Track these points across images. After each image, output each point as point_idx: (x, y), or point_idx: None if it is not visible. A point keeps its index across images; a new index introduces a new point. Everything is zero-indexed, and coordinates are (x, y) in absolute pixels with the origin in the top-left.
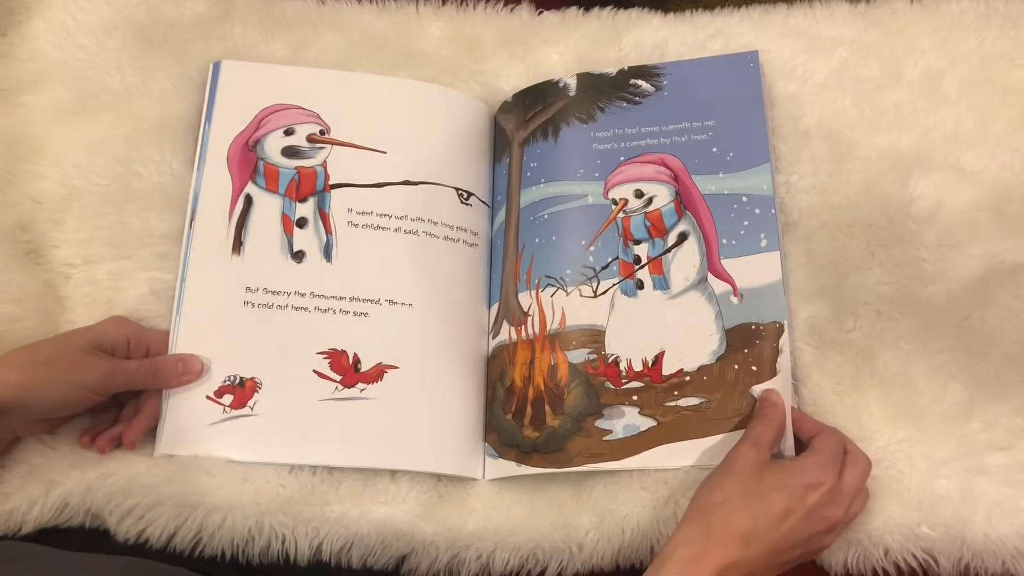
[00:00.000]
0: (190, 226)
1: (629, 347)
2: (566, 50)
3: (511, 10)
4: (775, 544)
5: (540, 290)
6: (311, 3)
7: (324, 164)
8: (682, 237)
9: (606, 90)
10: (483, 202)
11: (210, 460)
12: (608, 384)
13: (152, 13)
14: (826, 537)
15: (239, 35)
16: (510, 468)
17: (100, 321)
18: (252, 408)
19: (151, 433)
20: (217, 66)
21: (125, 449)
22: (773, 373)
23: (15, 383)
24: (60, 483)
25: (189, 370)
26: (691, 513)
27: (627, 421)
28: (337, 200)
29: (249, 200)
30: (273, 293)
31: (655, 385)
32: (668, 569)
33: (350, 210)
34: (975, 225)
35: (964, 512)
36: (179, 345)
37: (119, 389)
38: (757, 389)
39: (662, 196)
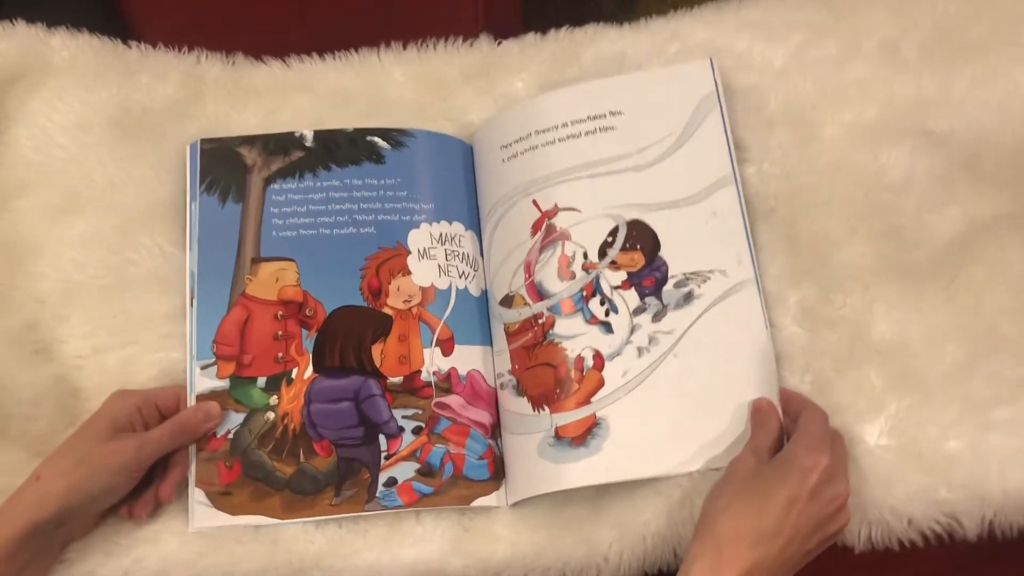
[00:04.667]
0: (191, 304)
1: None
2: (529, 76)
3: (471, 44)
4: (788, 536)
5: None
6: (277, 68)
7: None
8: None
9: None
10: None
11: (238, 529)
12: None
13: (124, 104)
14: (840, 516)
15: (211, 111)
16: None
17: (104, 403)
18: None
19: (184, 512)
20: (194, 146)
21: (163, 504)
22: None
23: (62, 493)
24: (97, 574)
25: (210, 416)
26: (700, 526)
27: None
28: None
29: None
30: None
31: None
32: None
33: None
34: (951, 186)
35: (979, 470)
36: None
37: (154, 459)
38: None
39: None
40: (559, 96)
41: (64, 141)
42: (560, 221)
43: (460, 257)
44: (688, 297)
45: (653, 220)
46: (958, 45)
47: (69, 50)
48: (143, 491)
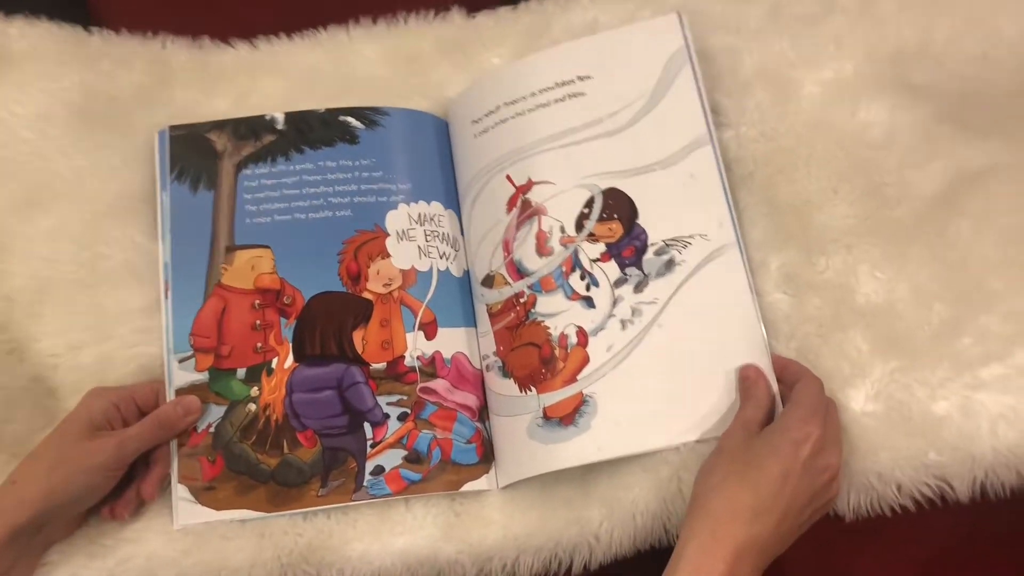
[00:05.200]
0: (166, 296)
1: None
2: (505, 52)
3: (443, 18)
4: (783, 510)
5: None
6: (244, 50)
7: None
8: None
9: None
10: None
11: (224, 524)
12: None
13: (89, 92)
14: (831, 487)
15: (180, 97)
16: None
17: (80, 402)
18: None
19: (167, 509)
20: (163, 133)
21: (146, 502)
22: None
23: (40, 496)
24: None
25: (190, 410)
26: (693, 503)
27: None
28: None
29: None
30: None
31: None
32: (682, 567)
33: None
34: (935, 140)
35: (968, 430)
36: None
37: (134, 457)
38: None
39: None
40: (525, 65)
41: (28, 134)
42: (535, 196)
43: (440, 237)
44: (669, 264)
45: (629, 187)
46: None
47: (28, 39)
48: (125, 490)
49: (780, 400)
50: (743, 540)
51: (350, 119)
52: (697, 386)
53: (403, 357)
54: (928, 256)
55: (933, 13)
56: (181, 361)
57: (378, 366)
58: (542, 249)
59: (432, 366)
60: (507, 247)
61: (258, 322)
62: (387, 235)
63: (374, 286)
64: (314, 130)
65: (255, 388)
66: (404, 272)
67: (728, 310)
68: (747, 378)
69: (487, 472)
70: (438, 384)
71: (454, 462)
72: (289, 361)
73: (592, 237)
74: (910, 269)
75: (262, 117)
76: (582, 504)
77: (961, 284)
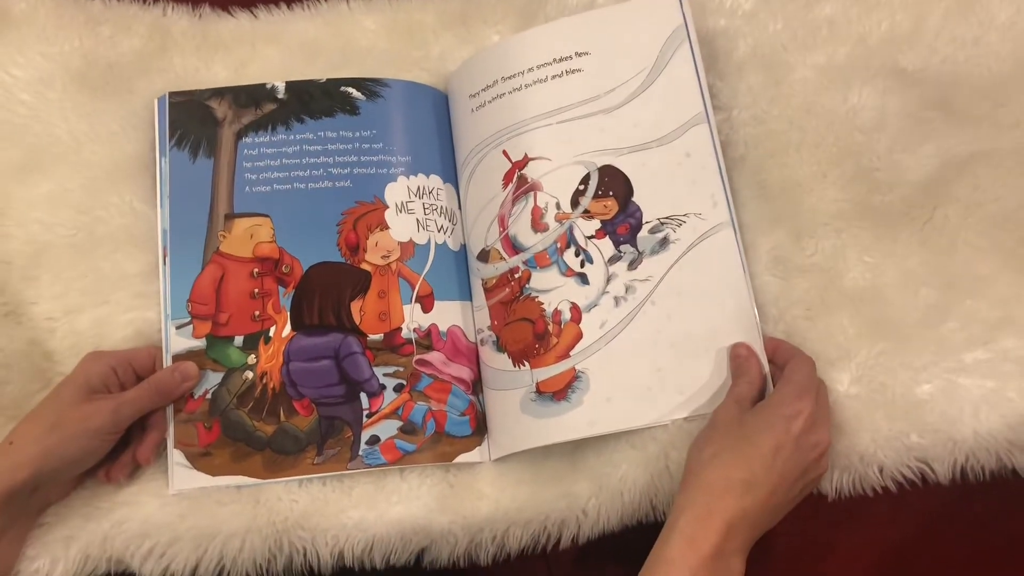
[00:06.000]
0: (164, 262)
1: None
2: (505, 28)
3: None
4: (775, 483)
5: None
6: (244, 19)
7: None
8: None
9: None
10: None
11: (219, 490)
12: None
13: (88, 57)
14: (820, 463)
15: (179, 64)
16: None
17: (78, 365)
18: None
19: (163, 474)
20: (163, 100)
21: (142, 466)
22: None
23: (36, 458)
24: (77, 538)
25: (187, 376)
26: (686, 476)
27: None
28: None
29: None
30: None
31: None
32: (675, 539)
33: None
34: (925, 124)
35: (951, 413)
36: None
37: (130, 421)
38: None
39: None
40: (524, 39)
41: (26, 97)
42: (531, 171)
43: (438, 211)
44: (664, 243)
45: (625, 164)
46: None
47: (28, 1)
48: (121, 454)
49: (771, 380)
50: (735, 512)
51: (351, 90)
52: (688, 364)
53: (400, 329)
54: (917, 241)
55: None
56: (178, 327)
57: (375, 337)
58: (537, 225)
59: (428, 338)
60: (503, 222)
61: (256, 290)
62: (386, 207)
63: (372, 257)
64: (315, 100)
65: (252, 356)
66: (402, 244)
67: (721, 289)
68: (739, 355)
69: (480, 444)
70: (434, 356)
71: (448, 434)
72: (287, 330)
73: (587, 214)
74: (898, 253)
75: (263, 86)
76: (571, 479)
77: (948, 269)
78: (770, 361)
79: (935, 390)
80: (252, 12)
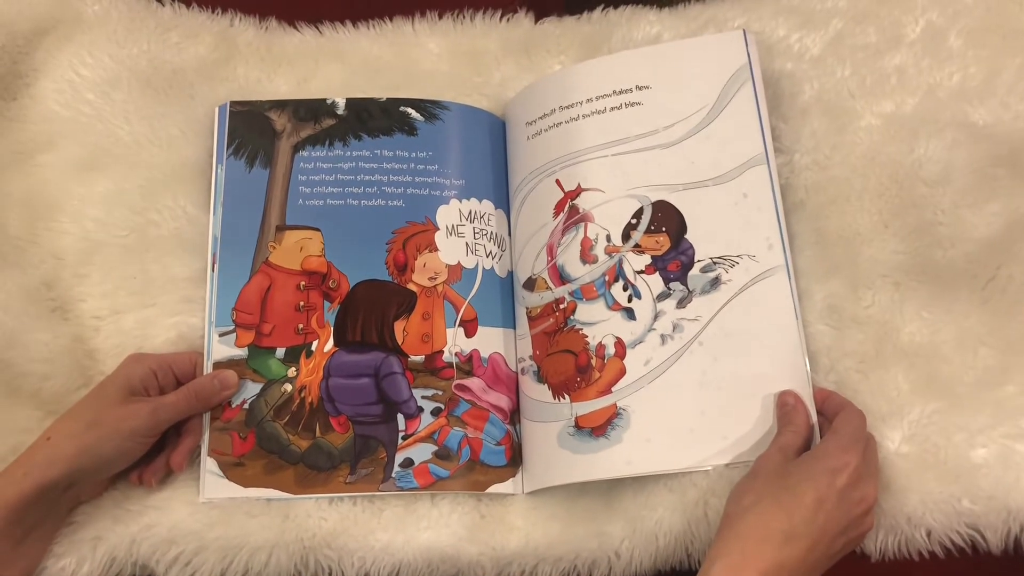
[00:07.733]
0: (212, 269)
1: None
2: (567, 59)
3: (508, 20)
4: (816, 537)
5: None
6: (309, 35)
7: None
8: None
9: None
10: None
11: (249, 502)
12: None
13: (155, 61)
14: (865, 520)
15: (242, 75)
16: None
17: (120, 365)
18: None
19: (195, 481)
20: (223, 108)
21: (174, 472)
22: None
23: (72, 455)
24: (105, 539)
25: (227, 384)
26: (723, 523)
27: None
28: None
29: None
30: None
31: None
32: None
33: None
34: (992, 181)
35: (1007, 480)
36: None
37: (167, 425)
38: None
39: None
40: (584, 69)
41: (91, 97)
42: (583, 202)
43: (488, 236)
44: (715, 283)
45: (680, 201)
46: (1009, 31)
47: (101, 4)
48: (155, 458)
49: (819, 431)
50: (772, 563)
51: (410, 110)
52: (733, 409)
53: (442, 352)
54: (978, 300)
55: (1001, 52)
56: (222, 335)
57: (416, 358)
58: (586, 256)
59: (469, 364)
60: (551, 251)
61: (302, 303)
62: (437, 229)
63: (419, 278)
64: (374, 118)
65: (292, 369)
66: (450, 267)
67: (772, 334)
68: (786, 404)
69: (514, 476)
70: (473, 382)
71: (482, 462)
72: (329, 345)
73: (638, 248)
74: (958, 311)
75: (323, 101)
76: (605, 518)
77: (1009, 331)
78: (819, 412)
79: (990, 455)
80: (318, 28)
